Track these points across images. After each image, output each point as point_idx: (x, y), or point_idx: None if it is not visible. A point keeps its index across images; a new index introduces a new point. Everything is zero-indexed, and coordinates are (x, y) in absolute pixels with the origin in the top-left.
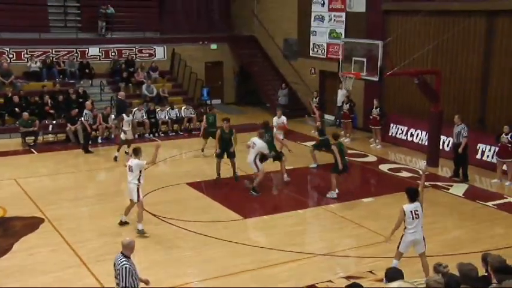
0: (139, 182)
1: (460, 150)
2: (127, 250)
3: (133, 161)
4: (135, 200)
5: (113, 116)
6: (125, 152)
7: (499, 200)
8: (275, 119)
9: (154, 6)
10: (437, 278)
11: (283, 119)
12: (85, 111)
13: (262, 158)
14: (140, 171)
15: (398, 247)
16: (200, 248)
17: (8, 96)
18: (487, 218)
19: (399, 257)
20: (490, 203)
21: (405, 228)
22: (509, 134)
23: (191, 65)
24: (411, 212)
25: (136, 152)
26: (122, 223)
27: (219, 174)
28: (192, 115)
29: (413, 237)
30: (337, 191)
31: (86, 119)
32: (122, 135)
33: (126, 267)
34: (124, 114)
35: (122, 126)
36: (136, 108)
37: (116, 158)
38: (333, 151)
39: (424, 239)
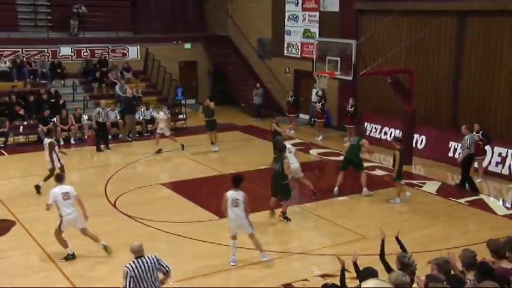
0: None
1: (459, 160)
2: (134, 254)
3: (65, 188)
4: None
5: (116, 113)
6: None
7: (470, 197)
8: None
9: (127, 5)
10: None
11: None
12: (98, 108)
13: None
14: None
15: None
16: (175, 248)
17: None
18: (460, 215)
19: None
20: (462, 200)
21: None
22: (480, 132)
23: (165, 65)
24: (232, 199)
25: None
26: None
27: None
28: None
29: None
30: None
31: (101, 116)
32: (159, 130)
33: (124, 269)
34: (161, 112)
35: (158, 124)
36: (109, 109)
37: (159, 151)
38: None
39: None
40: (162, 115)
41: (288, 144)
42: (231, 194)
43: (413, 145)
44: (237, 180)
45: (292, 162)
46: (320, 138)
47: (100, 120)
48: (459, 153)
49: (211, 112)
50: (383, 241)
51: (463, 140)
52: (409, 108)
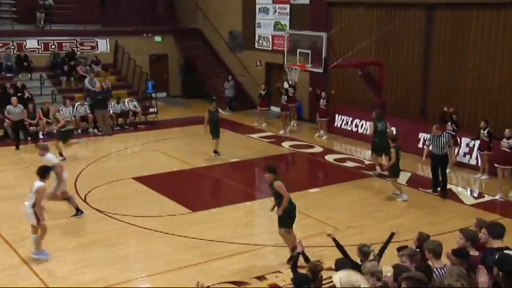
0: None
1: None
2: None
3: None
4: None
5: (85, 107)
6: None
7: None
8: None
9: None
10: (375, 263)
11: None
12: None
13: None
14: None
15: None
16: (146, 242)
17: None
18: (429, 204)
19: None
20: (431, 190)
21: None
22: (486, 130)
23: (135, 58)
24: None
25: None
26: None
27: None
28: (137, 108)
29: None
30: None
31: (63, 114)
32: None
33: None
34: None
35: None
36: (78, 103)
37: None
38: None
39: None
40: None
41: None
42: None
43: None
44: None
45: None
46: (324, 137)
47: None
48: (455, 154)
49: (217, 117)
50: (335, 240)
51: (438, 139)
52: (379, 100)
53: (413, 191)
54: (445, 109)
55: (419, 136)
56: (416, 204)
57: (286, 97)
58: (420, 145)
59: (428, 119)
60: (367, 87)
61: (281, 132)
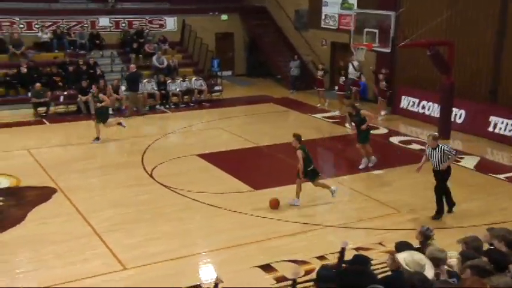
0: None
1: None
2: None
3: None
4: None
5: (123, 88)
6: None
7: (510, 173)
8: None
9: None
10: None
11: None
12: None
13: None
14: None
15: None
16: (209, 218)
17: (20, 67)
18: (498, 190)
19: None
20: (501, 176)
21: None
22: None
23: (201, 36)
24: None
25: None
26: None
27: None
28: (203, 86)
29: None
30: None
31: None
32: None
33: None
34: None
35: None
36: (146, 80)
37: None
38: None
39: None
40: None
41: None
42: None
43: (452, 119)
44: None
45: None
46: (382, 114)
47: None
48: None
49: (361, 120)
50: (343, 250)
51: (433, 153)
52: (448, 80)
53: (482, 176)
54: None
55: (490, 119)
56: (484, 190)
57: (344, 78)
58: (490, 128)
59: (499, 101)
60: (435, 68)
61: (336, 112)
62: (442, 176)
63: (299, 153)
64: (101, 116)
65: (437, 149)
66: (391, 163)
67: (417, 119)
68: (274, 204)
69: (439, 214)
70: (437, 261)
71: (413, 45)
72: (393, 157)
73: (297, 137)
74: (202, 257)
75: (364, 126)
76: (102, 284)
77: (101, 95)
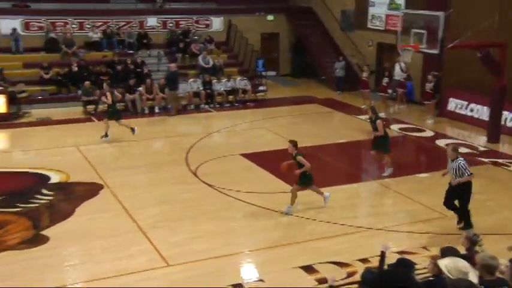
0: None
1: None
2: None
3: None
4: None
5: (198, 83)
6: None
7: None
8: None
9: None
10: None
11: None
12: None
13: None
14: None
15: None
16: (252, 218)
17: (71, 66)
18: None
19: None
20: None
21: None
22: None
23: (247, 36)
24: None
25: None
26: None
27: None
28: (247, 86)
29: None
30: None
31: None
32: None
33: None
34: None
35: None
36: (192, 79)
37: None
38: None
39: None
40: None
41: None
42: None
43: (502, 122)
44: None
45: None
46: (430, 121)
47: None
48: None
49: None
50: (383, 254)
51: (451, 164)
52: (499, 83)
53: None
54: None
55: None
56: None
57: (387, 79)
58: None
59: None
60: (485, 70)
61: (382, 114)
62: (459, 195)
63: (301, 158)
64: (115, 114)
65: (455, 161)
66: (438, 166)
67: (465, 122)
68: (285, 169)
69: (467, 224)
70: (490, 268)
71: (463, 46)
72: (440, 160)
73: (293, 143)
74: (244, 256)
75: (375, 134)
76: (147, 280)
77: (107, 94)
